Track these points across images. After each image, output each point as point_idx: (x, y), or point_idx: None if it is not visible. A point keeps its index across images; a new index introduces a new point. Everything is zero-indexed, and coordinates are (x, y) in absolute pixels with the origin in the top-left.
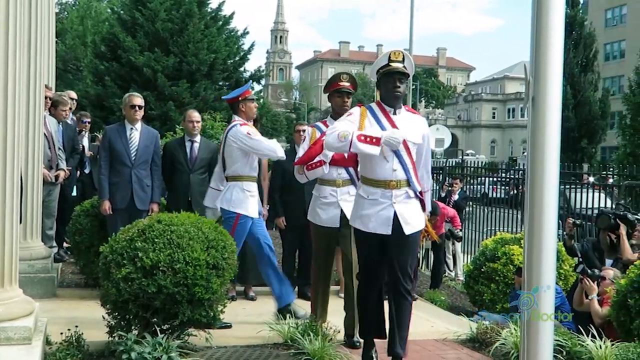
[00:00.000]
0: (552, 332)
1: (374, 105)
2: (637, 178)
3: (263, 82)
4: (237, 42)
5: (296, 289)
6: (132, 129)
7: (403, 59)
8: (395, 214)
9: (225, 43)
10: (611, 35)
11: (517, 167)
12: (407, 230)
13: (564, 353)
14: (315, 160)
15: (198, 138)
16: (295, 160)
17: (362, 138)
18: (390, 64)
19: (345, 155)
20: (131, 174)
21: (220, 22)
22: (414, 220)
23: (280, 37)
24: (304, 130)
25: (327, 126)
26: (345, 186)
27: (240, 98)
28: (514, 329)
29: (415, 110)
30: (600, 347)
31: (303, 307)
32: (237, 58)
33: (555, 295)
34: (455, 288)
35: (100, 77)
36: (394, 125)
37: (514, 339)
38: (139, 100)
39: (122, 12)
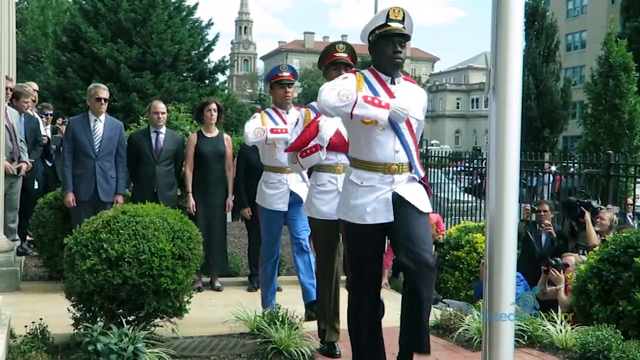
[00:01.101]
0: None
1: (367, 72)
2: (597, 166)
3: (227, 73)
4: (202, 33)
5: None
6: (96, 120)
7: (403, 17)
8: (395, 195)
9: (189, 34)
10: (572, 26)
11: (480, 157)
12: (418, 205)
13: (526, 337)
14: (310, 145)
15: (163, 129)
16: (287, 147)
17: (369, 99)
18: (389, 23)
19: (345, 138)
20: (95, 166)
21: (184, 13)
22: (420, 199)
23: (245, 27)
24: None
25: None
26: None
27: (270, 82)
28: (477, 314)
29: (413, 80)
30: (561, 331)
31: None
32: (201, 49)
33: (517, 283)
34: None
35: (62, 68)
36: (392, 97)
37: (477, 325)
38: (104, 92)
39: (83, 2)
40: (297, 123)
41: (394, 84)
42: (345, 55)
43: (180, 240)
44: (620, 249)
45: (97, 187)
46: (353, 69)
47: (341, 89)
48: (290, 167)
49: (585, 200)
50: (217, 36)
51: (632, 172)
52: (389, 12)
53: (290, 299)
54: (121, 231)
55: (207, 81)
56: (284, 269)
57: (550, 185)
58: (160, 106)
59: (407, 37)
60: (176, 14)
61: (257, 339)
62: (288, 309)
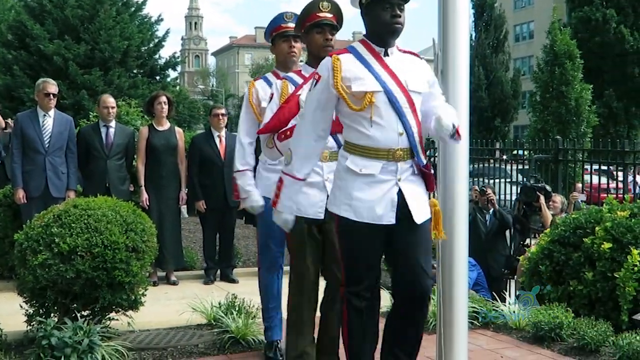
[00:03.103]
0: (466, 299)
1: (358, 45)
2: (546, 152)
3: (179, 69)
4: (151, 29)
5: (218, 272)
6: (45, 115)
7: None
8: (400, 195)
9: (139, 30)
10: (520, 17)
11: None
12: (418, 217)
13: (480, 319)
14: (290, 126)
15: (113, 123)
16: (261, 127)
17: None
18: None
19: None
20: (45, 161)
21: (133, 9)
22: (423, 204)
23: (195, 23)
24: (223, 114)
25: (302, 77)
26: (333, 160)
27: (272, 35)
28: (432, 298)
29: (410, 51)
30: (514, 312)
31: (225, 289)
32: (151, 45)
33: (470, 268)
34: None
35: (8, 66)
36: (389, 71)
37: (432, 309)
38: (53, 88)
39: None
40: (271, 98)
41: (388, 55)
42: (330, 15)
43: (134, 232)
44: (569, 230)
45: (48, 182)
46: (344, 48)
47: (294, 149)
48: (264, 153)
49: (540, 185)
50: (167, 32)
51: (580, 157)
52: None
53: (248, 290)
54: (73, 225)
55: (158, 77)
56: (240, 262)
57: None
58: (110, 100)
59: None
60: (124, 9)
61: (214, 330)
62: (244, 299)
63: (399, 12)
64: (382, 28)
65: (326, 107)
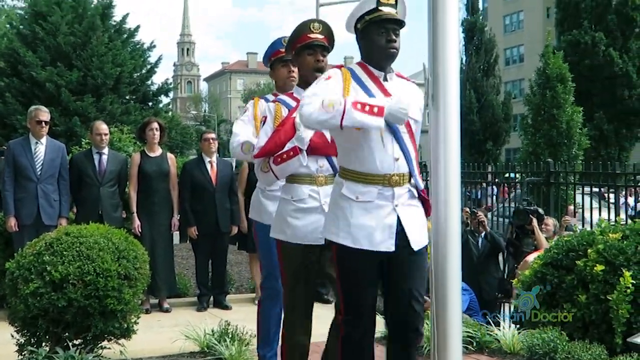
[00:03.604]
0: (460, 324)
1: (356, 67)
2: (538, 175)
3: (171, 95)
4: (144, 56)
5: (211, 299)
6: (37, 142)
7: (396, 1)
8: (398, 222)
9: (131, 56)
10: (510, 41)
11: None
12: (416, 244)
13: (474, 343)
14: (286, 149)
15: (106, 150)
16: (256, 152)
17: (359, 106)
18: (381, 8)
19: (328, 137)
20: (37, 189)
21: (125, 35)
22: (422, 230)
23: (187, 49)
24: (213, 139)
25: (295, 99)
26: (329, 184)
27: (271, 59)
28: (426, 323)
29: (406, 77)
30: (505, 335)
31: (219, 316)
32: (143, 71)
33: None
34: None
35: (0, 94)
36: (388, 95)
37: (426, 334)
38: (45, 115)
39: (21, 26)
40: (264, 121)
41: (387, 80)
42: (321, 36)
43: (126, 260)
44: (562, 253)
45: (40, 210)
46: (340, 64)
47: (325, 97)
48: (259, 178)
49: (532, 208)
50: (159, 58)
51: (572, 180)
52: None
53: (241, 317)
54: (65, 252)
55: (150, 103)
56: (233, 288)
57: (494, 197)
58: (103, 127)
59: (401, 24)
60: (117, 36)
61: (208, 357)
62: (238, 326)
63: (394, 37)
64: (377, 53)
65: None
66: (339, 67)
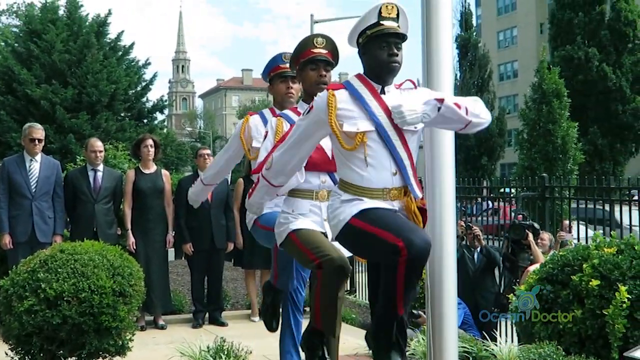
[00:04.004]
0: (456, 339)
1: (354, 80)
2: (533, 190)
3: (166, 112)
4: (138, 73)
5: (207, 315)
6: (32, 160)
7: (398, 15)
8: None
9: (126, 73)
10: (504, 56)
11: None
12: None
13: (470, 359)
14: None
15: (101, 167)
16: (255, 167)
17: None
18: (382, 22)
19: (328, 153)
20: (32, 206)
21: (120, 53)
22: None
23: (182, 66)
24: (208, 155)
25: (298, 114)
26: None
27: (270, 75)
28: (422, 338)
29: (406, 80)
30: (502, 350)
31: (214, 332)
32: (138, 88)
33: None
34: (366, 306)
35: None
36: (385, 108)
37: (422, 349)
38: (39, 133)
39: (16, 44)
40: (266, 136)
41: (385, 92)
42: (325, 51)
43: (121, 276)
44: (557, 268)
45: (35, 228)
46: (340, 83)
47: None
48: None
49: (528, 222)
50: (154, 75)
51: (567, 194)
52: (380, 8)
53: (237, 334)
54: (59, 270)
55: (145, 120)
56: (229, 304)
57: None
58: (97, 144)
59: (403, 37)
60: (112, 54)
61: None
62: (233, 342)
63: (396, 51)
64: (379, 67)
65: (311, 138)
66: (341, 86)
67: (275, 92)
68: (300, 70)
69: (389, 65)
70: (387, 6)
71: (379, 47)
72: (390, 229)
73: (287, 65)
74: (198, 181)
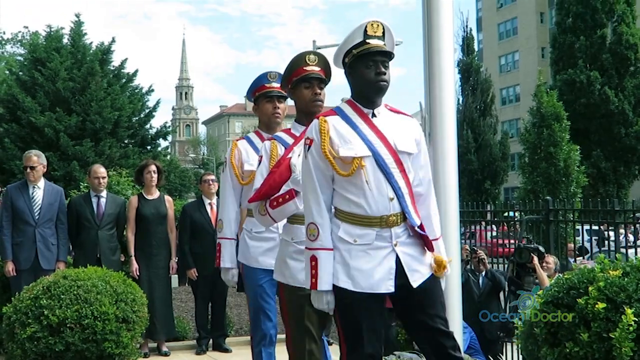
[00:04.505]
0: None
1: (345, 106)
2: (537, 213)
3: (170, 138)
4: (142, 100)
5: (210, 342)
6: (34, 187)
7: (383, 33)
8: (398, 261)
9: (130, 100)
10: (506, 81)
11: None
12: (415, 282)
13: None
14: (282, 192)
15: (104, 193)
16: (252, 195)
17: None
18: (368, 40)
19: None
20: (35, 233)
21: (124, 80)
22: (421, 266)
23: (186, 93)
24: (212, 180)
25: (292, 136)
26: None
27: (255, 94)
28: None
29: (398, 110)
30: None
31: (218, 359)
32: (142, 115)
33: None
34: None
35: None
36: (377, 132)
37: None
38: (30, 161)
39: (20, 73)
40: (260, 161)
41: (376, 115)
42: (318, 68)
43: (124, 302)
44: (563, 291)
45: (38, 254)
46: (331, 109)
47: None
48: (258, 222)
49: (533, 246)
50: (158, 102)
51: (571, 217)
52: (366, 27)
53: None
54: (62, 296)
55: (149, 147)
56: (232, 330)
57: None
58: (101, 170)
59: (390, 56)
60: (115, 81)
61: None
62: None
63: (383, 70)
64: (367, 87)
65: (326, 170)
66: (332, 112)
67: (261, 112)
68: (293, 88)
69: (376, 85)
70: (372, 24)
71: (366, 66)
72: (347, 338)
73: (273, 84)
74: (228, 245)
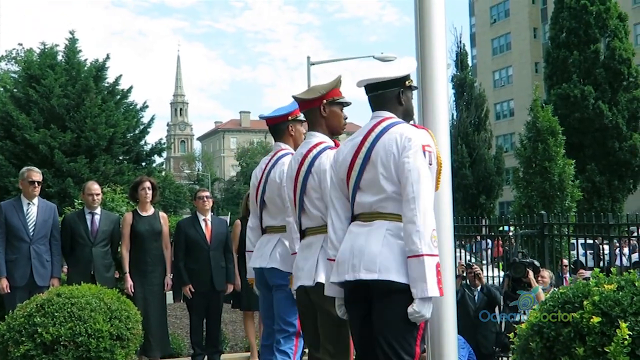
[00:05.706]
0: None
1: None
2: (532, 227)
3: (164, 155)
4: (137, 116)
5: (205, 358)
6: (29, 203)
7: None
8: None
9: (124, 117)
10: (500, 95)
11: None
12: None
13: None
14: None
15: (99, 210)
16: None
17: None
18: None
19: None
20: (30, 250)
21: (118, 96)
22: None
23: (180, 109)
24: (207, 197)
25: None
26: None
27: (289, 117)
28: None
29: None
30: None
31: None
32: (137, 131)
33: (461, 346)
34: None
35: None
36: None
37: None
38: (37, 176)
39: (15, 90)
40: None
41: None
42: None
43: (118, 320)
44: (558, 306)
45: (33, 271)
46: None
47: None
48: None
49: (528, 260)
50: (152, 119)
51: (566, 232)
52: None
53: None
54: (56, 314)
55: (144, 163)
56: (227, 347)
57: (490, 249)
58: (95, 187)
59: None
60: (110, 97)
61: None
62: None
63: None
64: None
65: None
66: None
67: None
68: (330, 105)
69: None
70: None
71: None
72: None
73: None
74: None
